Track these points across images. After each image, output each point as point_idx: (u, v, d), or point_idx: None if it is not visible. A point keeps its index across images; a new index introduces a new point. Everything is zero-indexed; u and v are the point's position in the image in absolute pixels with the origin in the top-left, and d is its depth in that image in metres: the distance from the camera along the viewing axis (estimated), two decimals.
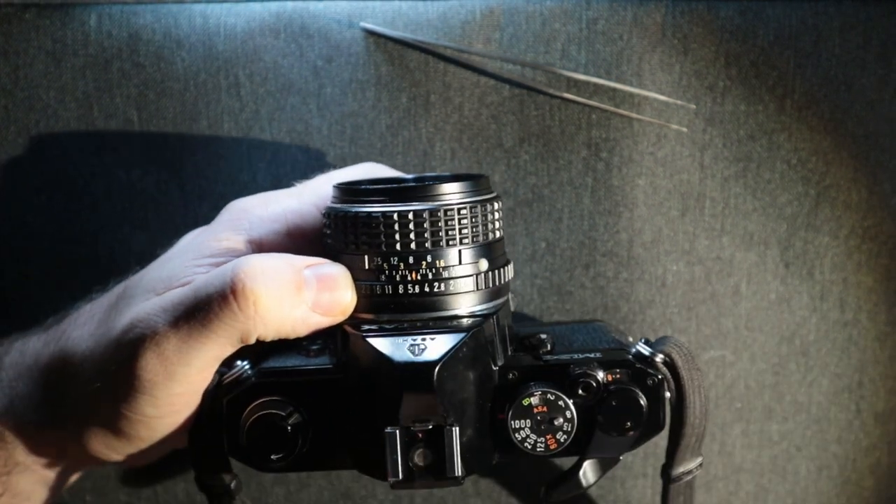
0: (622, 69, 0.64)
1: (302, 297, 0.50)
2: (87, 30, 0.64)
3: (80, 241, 0.66)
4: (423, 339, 0.48)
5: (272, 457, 0.50)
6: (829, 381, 0.68)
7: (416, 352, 0.48)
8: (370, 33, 0.64)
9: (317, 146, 0.65)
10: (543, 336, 0.54)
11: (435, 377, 0.47)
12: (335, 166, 0.63)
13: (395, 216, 0.50)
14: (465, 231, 0.51)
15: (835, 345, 0.68)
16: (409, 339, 0.48)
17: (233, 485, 0.54)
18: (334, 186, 0.54)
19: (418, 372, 0.47)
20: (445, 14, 0.64)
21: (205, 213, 0.66)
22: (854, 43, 0.64)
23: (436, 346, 0.48)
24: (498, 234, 0.53)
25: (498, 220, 0.53)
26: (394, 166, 0.64)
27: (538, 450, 0.51)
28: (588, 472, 0.54)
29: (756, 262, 0.67)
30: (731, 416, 0.68)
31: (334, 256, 0.52)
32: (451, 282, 0.51)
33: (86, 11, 0.64)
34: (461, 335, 0.49)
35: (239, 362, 0.52)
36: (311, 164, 0.65)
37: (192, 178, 0.65)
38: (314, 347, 0.54)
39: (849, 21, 0.64)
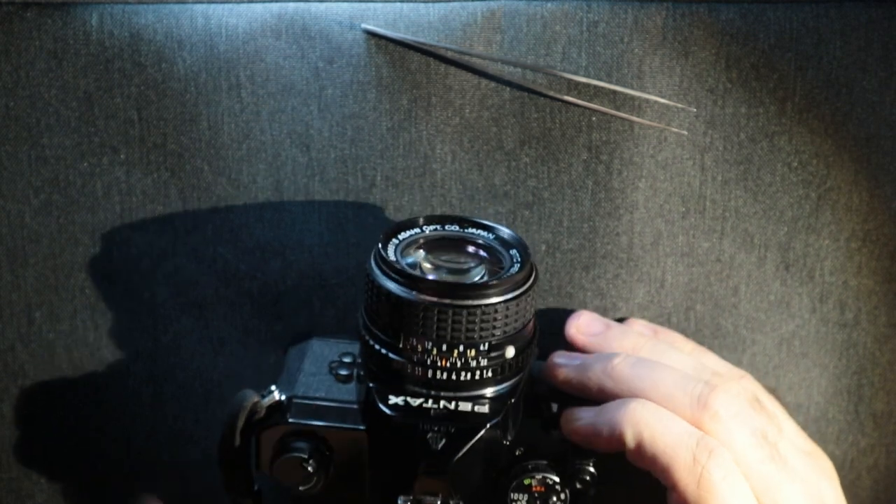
0: (623, 72, 0.64)
1: None
2: (88, 29, 0.64)
3: (79, 242, 0.66)
4: (443, 430, 0.53)
5: (300, 488, 0.54)
6: (827, 383, 0.69)
7: (435, 443, 0.52)
8: (371, 35, 0.64)
9: (317, 147, 0.65)
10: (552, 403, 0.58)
11: (449, 470, 0.52)
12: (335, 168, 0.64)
13: (436, 310, 0.53)
14: (497, 327, 0.54)
15: (834, 347, 0.68)
16: (431, 427, 0.53)
17: (256, 486, 0.59)
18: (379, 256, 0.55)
19: (435, 462, 0.52)
20: (447, 16, 0.63)
21: (205, 214, 0.66)
22: (855, 45, 0.64)
23: (454, 441, 0.52)
24: (528, 323, 0.56)
25: (531, 306, 0.56)
26: (394, 168, 0.65)
27: None
28: None
29: (756, 264, 0.67)
30: None
31: (372, 318, 0.55)
32: (478, 370, 0.54)
33: (87, 11, 0.64)
34: (479, 432, 0.53)
35: (273, 388, 0.56)
36: (311, 165, 0.65)
37: (192, 178, 0.65)
38: (343, 372, 0.58)
39: (850, 23, 0.64)
